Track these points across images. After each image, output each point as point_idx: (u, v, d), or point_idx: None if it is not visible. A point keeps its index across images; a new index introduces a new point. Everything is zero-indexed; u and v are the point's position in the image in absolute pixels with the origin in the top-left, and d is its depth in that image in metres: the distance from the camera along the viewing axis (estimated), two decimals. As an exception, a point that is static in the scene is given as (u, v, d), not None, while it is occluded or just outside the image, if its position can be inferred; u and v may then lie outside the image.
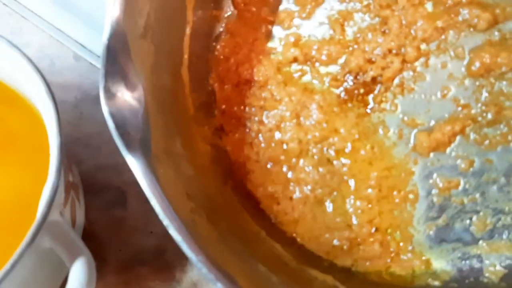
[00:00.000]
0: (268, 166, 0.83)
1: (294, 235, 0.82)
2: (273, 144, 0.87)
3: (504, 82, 0.79)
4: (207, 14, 0.86)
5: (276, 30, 0.88)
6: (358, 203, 0.82)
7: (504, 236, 0.79)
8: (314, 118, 0.84)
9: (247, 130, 0.87)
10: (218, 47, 0.86)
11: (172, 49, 0.78)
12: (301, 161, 0.83)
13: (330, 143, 0.84)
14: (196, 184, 0.73)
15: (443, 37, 0.81)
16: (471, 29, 0.80)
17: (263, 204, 0.83)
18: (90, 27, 0.94)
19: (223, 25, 0.87)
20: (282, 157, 0.84)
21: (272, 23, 0.87)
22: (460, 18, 0.80)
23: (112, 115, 0.58)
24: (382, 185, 0.82)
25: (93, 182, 0.88)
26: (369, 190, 0.81)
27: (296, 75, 0.86)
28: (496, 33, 0.79)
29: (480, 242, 0.79)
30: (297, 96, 0.84)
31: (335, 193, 0.82)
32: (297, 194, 0.82)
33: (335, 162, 0.83)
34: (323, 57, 0.86)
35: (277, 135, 0.84)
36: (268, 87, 0.85)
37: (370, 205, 0.81)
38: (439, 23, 0.81)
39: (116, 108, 0.59)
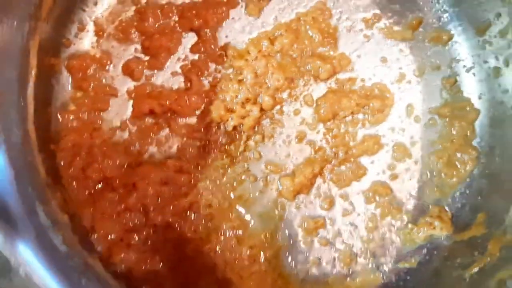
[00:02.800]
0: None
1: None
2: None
3: (348, 125, 0.87)
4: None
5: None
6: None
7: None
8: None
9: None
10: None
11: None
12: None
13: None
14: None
15: (293, 86, 0.86)
16: (316, 79, 0.86)
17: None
18: None
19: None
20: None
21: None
22: (307, 68, 0.86)
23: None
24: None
25: None
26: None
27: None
28: (335, 82, 0.87)
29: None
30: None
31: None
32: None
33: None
34: (181, 108, 0.82)
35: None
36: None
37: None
38: (289, 74, 0.85)
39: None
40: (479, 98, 0.88)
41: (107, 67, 0.81)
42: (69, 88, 0.79)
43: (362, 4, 0.88)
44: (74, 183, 0.76)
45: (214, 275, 0.78)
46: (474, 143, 0.88)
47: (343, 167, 0.86)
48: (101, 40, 0.81)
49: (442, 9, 0.90)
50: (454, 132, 0.88)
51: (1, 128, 0.64)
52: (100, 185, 0.78)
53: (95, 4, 0.81)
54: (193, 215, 0.80)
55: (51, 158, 0.75)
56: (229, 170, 0.83)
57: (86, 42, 0.81)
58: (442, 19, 0.90)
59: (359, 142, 0.86)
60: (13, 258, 0.48)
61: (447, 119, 0.89)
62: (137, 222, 0.78)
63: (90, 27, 0.81)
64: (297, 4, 0.87)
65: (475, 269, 0.78)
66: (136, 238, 0.76)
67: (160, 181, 0.78)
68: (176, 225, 0.79)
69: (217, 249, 0.80)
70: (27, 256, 0.56)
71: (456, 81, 0.90)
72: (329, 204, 0.85)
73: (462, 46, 0.90)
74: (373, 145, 0.87)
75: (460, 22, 0.89)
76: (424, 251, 0.86)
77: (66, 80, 0.79)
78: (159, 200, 0.78)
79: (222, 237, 0.81)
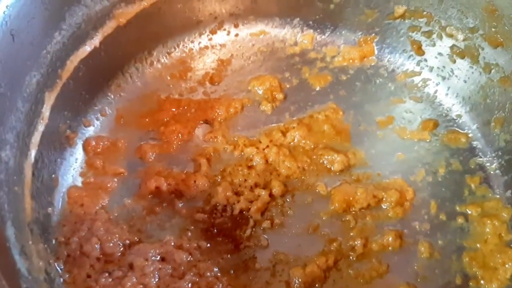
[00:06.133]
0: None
1: None
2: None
3: (365, 217, 0.81)
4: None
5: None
6: None
7: None
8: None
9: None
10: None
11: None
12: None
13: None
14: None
15: (305, 175, 0.84)
16: (330, 171, 0.84)
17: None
18: None
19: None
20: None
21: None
22: (320, 160, 0.84)
23: None
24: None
25: None
26: None
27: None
28: (350, 175, 0.84)
29: None
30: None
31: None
32: None
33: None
34: (187, 189, 0.80)
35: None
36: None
37: None
38: (301, 163, 0.84)
39: None
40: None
41: (121, 149, 0.82)
42: (81, 164, 0.80)
43: (375, 110, 0.91)
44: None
45: None
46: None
47: (362, 263, 0.77)
48: (119, 126, 0.85)
49: (456, 114, 0.91)
50: (486, 231, 0.80)
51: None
52: (96, 264, 0.72)
53: (120, 95, 0.88)
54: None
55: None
56: (233, 256, 0.76)
57: (105, 125, 0.85)
58: (457, 121, 0.90)
59: (378, 236, 0.79)
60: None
61: (475, 218, 0.81)
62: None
63: (112, 113, 0.86)
64: (310, 105, 0.91)
65: None
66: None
67: (159, 258, 0.72)
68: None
69: None
70: None
71: (481, 179, 0.85)
72: (347, 303, 0.74)
73: (482, 144, 0.87)
74: (394, 241, 0.79)
75: (475, 123, 0.89)
76: None
77: (79, 156, 0.81)
78: (157, 279, 0.71)
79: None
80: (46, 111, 0.71)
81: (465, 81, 0.89)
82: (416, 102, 0.92)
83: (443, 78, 0.92)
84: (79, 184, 0.79)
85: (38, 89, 0.69)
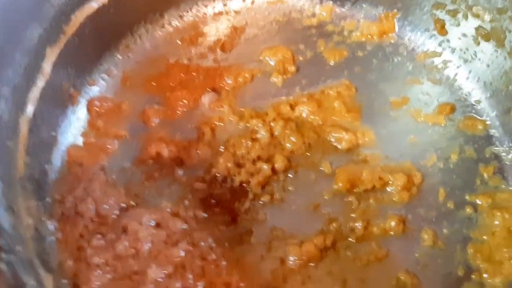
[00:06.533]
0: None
1: None
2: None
3: (369, 199, 0.78)
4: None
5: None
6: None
7: None
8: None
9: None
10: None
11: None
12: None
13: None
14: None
15: (311, 152, 0.81)
16: (337, 149, 0.81)
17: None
18: None
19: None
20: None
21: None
22: (327, 137, 0.81)
23: None
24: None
25: None
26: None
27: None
28: (357, 154, 0.81)
29: None
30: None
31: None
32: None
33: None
34: (189, 157, 0.78)
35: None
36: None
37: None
38: (307, 139, 0.81)
39: None
40: (524, 188, 0.78)
41: (124, 112, 0.81)
42: (83, 124, 0.79)
43: (390, 90, 0.87)
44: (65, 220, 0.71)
45: None
46: (521, 237, 0.75)
47: (361, 245, 0.75)
48: (124, 88, 0.83)
49: (475, 100, 0.86)
50: (495, 223, 0.76)
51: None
52: (90, 225, 0.72)
53: (127, 56, 0.86)
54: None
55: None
56: (229, 228, 0.74)
57: (110, 86, 0.83)
58: (475, 106, 0.86)
59: (380, 220, 0.76)
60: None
61: (485, 209, 0.78)
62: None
63: (118, 74, 0.84)
64: (322, 80, 0.87)
65: None
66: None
67: (153, 224, 0.71)
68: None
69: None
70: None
71: (495, 169, 0.81)
72: (342, 285, 0.72)
73: (499, 133, 0.83)
74: (397, 226, 0.76)
75: (495, 111, 0.84)
76: None
77: (81, 115, 0.79)
78: (150, 245, 0.70)
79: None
80: (47, 66, 0.70)
81: (488, 65, 0.84)
82: (434, 84, 0.87)
83: (465, 60, 0.87)
84: (80, 143, 0.78)
85: (40, 43, 0.68)
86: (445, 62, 0.88)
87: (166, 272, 0.69)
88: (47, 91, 0.70)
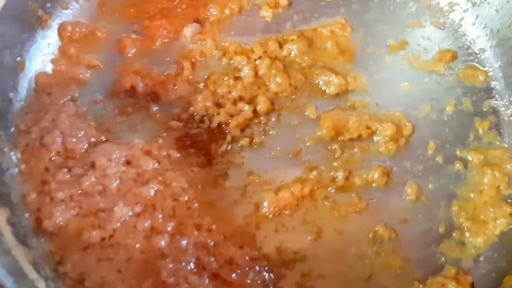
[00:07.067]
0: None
1: None
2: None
3: (353, 149, 0.74)
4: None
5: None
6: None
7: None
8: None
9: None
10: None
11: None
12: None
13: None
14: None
15: (296, 94, 0.76)
16: (324, 93, 0.76)
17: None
18: None
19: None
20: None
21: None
22: (315, 80, 0.76)
23: None
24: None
25: None
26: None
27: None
28: (346, 100, 0.76)
29: None
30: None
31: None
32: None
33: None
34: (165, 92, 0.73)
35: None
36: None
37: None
38: (294, 80, 0.76)
39: None
40: (519, 146, 0.73)
41: (99, 40, 0.75)
42: (53, 50, 0.74)
43: (388, 31, 0.80)
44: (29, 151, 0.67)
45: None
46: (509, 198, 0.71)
47: (341, 196, 0.71)
48: (101, 13, 0.77)
49: (479, 48, 0.80)
50: (484, 181, 0.72)
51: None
52: (56, 158, 0.68)
53: (105, -21, 0.79)
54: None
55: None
56: (204, 170, 0.71)
57: (85, 11, 0.77)
58: (478, 55, 0.79)
59: (363, 171, 0.72)
60: None
61: (476, 165, 0.73)
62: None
63: (94, -2, 0.78)
64: (316, 17, 0.80)
65: None
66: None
67: (123, 161, 0.67)
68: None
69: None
70: None
71: (491, 124, 0.76)
72: (316, 235, 0.69)
73: (501, 86, 0.77)
74: (380, 178, 0.72)
75: (499, 61, 0.78)
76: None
77: (52, 41, 0.74)
78: (119, 182, 0.66)
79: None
80: (7, -19, 0.63)
81: (497, 11, 0.77)
82: (436, 29, 0.81)
83: (473, 4, 0.80)
84: (49, 71, 0.73)
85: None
86: (451, 5, 0.81)
87: (134, 211, 0.66)
88: (9, 10, 0.64)
